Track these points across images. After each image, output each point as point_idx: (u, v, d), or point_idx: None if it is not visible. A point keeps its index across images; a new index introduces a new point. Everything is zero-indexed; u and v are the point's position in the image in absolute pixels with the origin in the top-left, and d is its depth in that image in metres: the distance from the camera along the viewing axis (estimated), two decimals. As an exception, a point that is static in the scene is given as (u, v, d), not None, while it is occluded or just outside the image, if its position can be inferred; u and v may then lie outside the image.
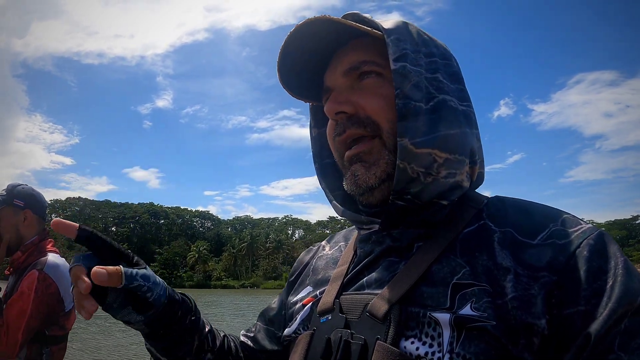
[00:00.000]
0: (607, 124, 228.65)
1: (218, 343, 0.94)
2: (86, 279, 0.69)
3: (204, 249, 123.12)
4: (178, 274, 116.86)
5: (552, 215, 0.72)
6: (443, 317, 0.64)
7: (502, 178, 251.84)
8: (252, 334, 1.07)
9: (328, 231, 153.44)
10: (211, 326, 0.94)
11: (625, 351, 0.58)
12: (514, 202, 0.79)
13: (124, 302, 0.75)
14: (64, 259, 2.42)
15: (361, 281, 0.78)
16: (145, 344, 0.87)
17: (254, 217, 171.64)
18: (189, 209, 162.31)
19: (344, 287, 0.81)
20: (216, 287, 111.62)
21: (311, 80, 0.88)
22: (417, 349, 0.64)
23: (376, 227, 0.82)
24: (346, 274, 0.83)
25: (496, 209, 0.77)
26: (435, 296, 0.68)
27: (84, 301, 0.70)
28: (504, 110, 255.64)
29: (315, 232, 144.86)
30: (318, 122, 0.95)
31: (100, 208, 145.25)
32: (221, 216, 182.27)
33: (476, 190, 0.86)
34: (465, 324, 0.63)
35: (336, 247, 0.99)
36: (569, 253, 0.66)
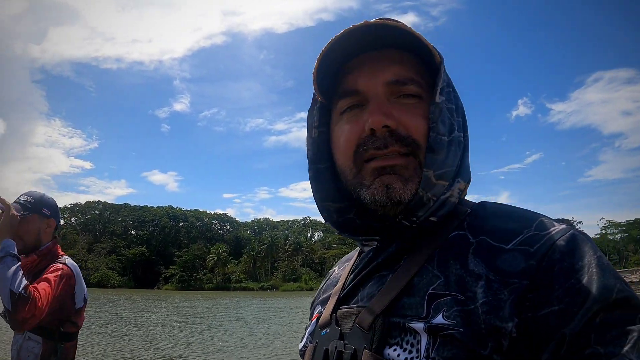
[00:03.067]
0: (626, 122, 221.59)
1: None
2: None
3: (224, 251, 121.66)
4: (197, 276, 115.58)
5: (528, 221, 0.75)
6: (419, 326, 0.69)
7: (520, 178, 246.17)
8: None
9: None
10: None
11: (601, 344, 0.59)
12: (494, 208, 0.83)
13: None
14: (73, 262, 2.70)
15: (356, 296, 0.83)
16: None
17: (273, 220, 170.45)
18: (207, 211, 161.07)
19: (343, 302, 0.86)
20: (235, 290, 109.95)
21: (327, 77, 0.86)
22: (399, 355, 0.70)
23: (374, 243, 0.86)
24: (343, 289, 0.88)
25: (476, 218, 0.81)
26: (414, 307, 0.72)
27: None
28: (522, 109, 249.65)
29: (334, 234, 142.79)
30: (322, 123, 0.91)
31: (119, 211, 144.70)
32: (240, 219, 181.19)
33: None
34: (438, 332, 0.67)
35: (342, 267, 1.03)
36: (540, 256, 0.68)
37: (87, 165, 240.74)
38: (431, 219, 0.80)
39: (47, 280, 2.45)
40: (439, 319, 0.68)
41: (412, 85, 0.80)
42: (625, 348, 0.58)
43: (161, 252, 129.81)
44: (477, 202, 0.88)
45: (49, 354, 2.48)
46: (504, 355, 0.64)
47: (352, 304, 0.83)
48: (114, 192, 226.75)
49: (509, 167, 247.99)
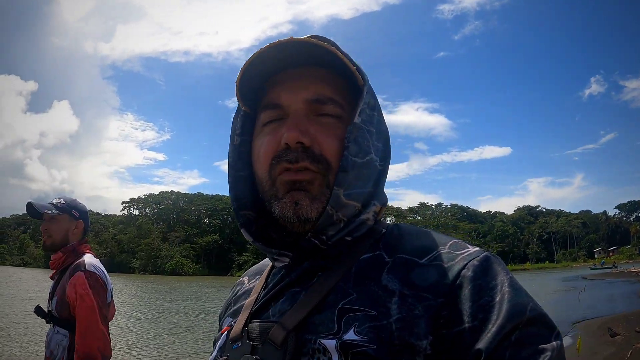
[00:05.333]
0: None
1: None
2: None
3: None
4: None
5: (442, 240, 0.78)
6: (330, 343, 0.68)
7: (595, 159, 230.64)
8: None
9: (419, 217, 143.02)
10: None
11: None
12: (409, 228, 0.85)
13: None
14: (97, 259, 2.88)
15: (268, 312, 0.82)
16: None
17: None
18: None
19: (254, 316, 0.84)
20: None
21: (251, 85, 0.86)
22: None
23: (286, 260, 0.84)
24: (255, 304, 0.86)
25: (392, 237, 0.82)
26: (325, 322, 0.72)
27: None
28: (595, 87, 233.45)
29: (407, 219, 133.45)
30: (245, 131, 0.91)
31: (192, 201, 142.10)
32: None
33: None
34: (350, 349, 0.66)
35: (253, 280, 1.02)
36: (454, 274, 0.69)
37: (160, 156, 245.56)
38: (347, 238, 0.81)
39: (82, 298, 2.59)
40: (351, 334, 0.68)
41: (332, 105, 0.81)
42: None
43: (234, 239, 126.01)
44: (392, 224, 0.88)
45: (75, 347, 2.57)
46: None
47: (264, 319, 0.81)
48: (186, 182, 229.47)
49: (583, 148, 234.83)
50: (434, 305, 0.67)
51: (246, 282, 1.04)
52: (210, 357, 0.91)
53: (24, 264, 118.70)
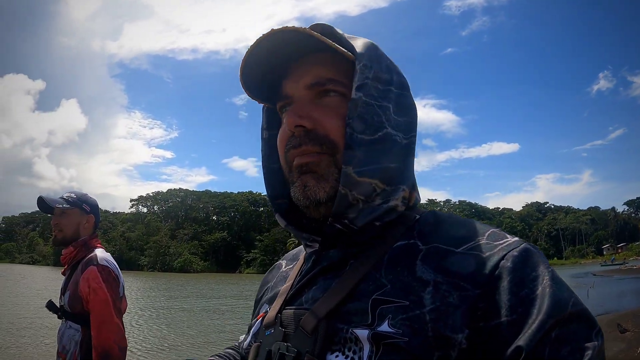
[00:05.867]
0: None
1: None
2: None
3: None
4: (278, 259, 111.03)
5: (480, 230, 0.75)
6: (362, 333, 0.68)
7: (604, 155, 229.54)
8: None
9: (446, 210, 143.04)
10: None
11: (555, 359, 0.58)
12: (445, 216, 0.82)
13: None
14: (109, 253, 2.87)
15: (301, 298, 0.82)
16: None
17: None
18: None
19: (288, 303, 0.84)
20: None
21: (266, 82, 0.88)
22: None
23: (316, 245, 0.85)
24: (290, 290, 0.86)
25: (426, 225, 0.80)
26: (358, 312, 0.71)
27: None
28: (603, 83, 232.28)
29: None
30: (270, 125, 0.94)
31: (200, 198, 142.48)
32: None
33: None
34: (382, 340, 0.65)
35: (290, 265, 1.02)
36: (492, 265, 0.67)
37: (168, 154, 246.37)
38: (376, 223, 0.80)
39: (95, 291, 2.59)
40: (384, 327, 0.67)
41: (332, 84, 0.81)
42: None
43: (242, 236, 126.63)
44: (428, 210, 0.86)
45: (88, 341, 2.57)
46: None
47: (297, 306, 0.81)
48: (195, 179, 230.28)
49: (592, 144, 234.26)
50: (471, 297, 0.65)
51: (283, 266, 1.05)
52: (245, 343, 0.92)
53: (33, 262, 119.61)
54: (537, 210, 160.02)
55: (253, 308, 1.07)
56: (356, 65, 0.79)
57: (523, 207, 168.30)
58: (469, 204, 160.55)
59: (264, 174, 0.93)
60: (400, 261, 0.74)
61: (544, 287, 0.63)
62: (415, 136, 0.86)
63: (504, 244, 0.70)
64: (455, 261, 0.69)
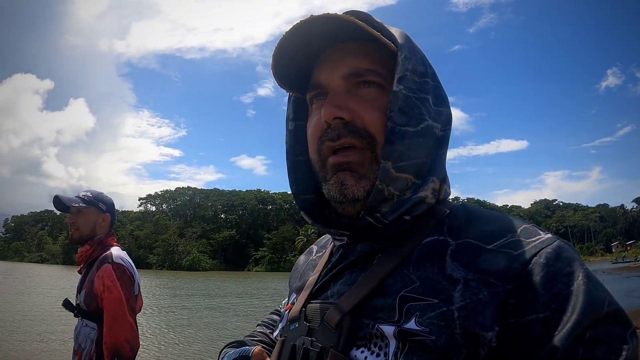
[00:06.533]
0: None
1: None
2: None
3: (312, 232, 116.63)
4: (287, 257, 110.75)
5: (513, 226, 0.72)
6: (389, 329, 0.66)
7: (612, 152, 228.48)
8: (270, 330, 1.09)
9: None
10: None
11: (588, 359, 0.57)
12: (477, 210, 0.80)
13: None
14: (125, 251, 2.91)
15: (327, 292, 0.81)
16: None
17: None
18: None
19: (314, 296, 0.83)
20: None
21: (295, 70, 0.85)
22: (366, 358, 0.67)
23: (345, 239, 0.83)
24: (316, 283, 0.85)
25: (457, 220, 0.77)
26: (385, 308, 0.69)
27: None
28: (611, 80, 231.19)
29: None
30: (297, 115, 0.91)
31: (209, 196, 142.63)
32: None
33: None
34: (408, 337, 0.64)
35: (320, 253, 1.01)
36: (525, 261, 0.65)
37: (176, 153, 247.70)
38: (405, 217, 0.78)
39: (109, 289, 2.62)
40: (411, 324, 0.66)
41: (370, 76, 0.78)
42: None
43: (251, 235, 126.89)
44: (458, 203, 0.84)
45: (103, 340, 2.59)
46: None
47: (321, 300, 0.80)
48: (203, 177, 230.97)
49: (600, 141, 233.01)
50: (501, 292, 0.63)
51: (314, 252, 1.04)
52: (275, 334, 0.92)
53: (42, 261, 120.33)
54: (545, 208, 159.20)
55: (289, 288, 1.06)
56: (398, 57, 0.76)
57: (532, 204, 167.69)
58: (478, 201, 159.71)
59: (289, 167, 0.90)
60: (430, 257, 0.72)
61: (578, 284, 0.61)
62: (450, 129, 0.84)
63: (537, 241, 0.68)
64: (486, 258, 0.67)
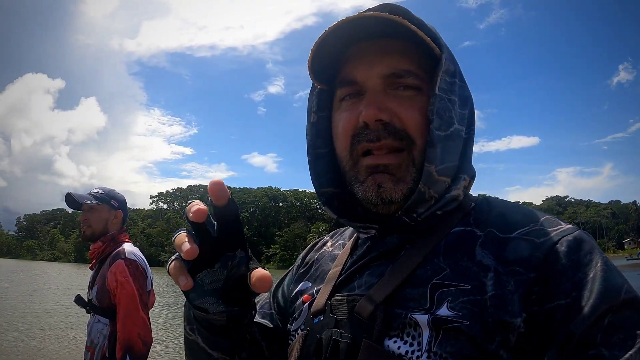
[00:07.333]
0: None
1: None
2: (194, 244, 0.63)
3: (324, 229, 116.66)
4: (298, 255, 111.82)
5: (534, 216, 0.74)
6: (422, 318, 0.67)
7: (624, 148, 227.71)
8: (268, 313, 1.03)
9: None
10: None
11: (606, 346, 0.57)
12: (499, 202, 0.82)
13: (214, 290, 0.69)
14: (137, 248, 2.93)
15: (352, 284, 0.80)
16: (190, 336, 0.81)
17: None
18: (307, 191, 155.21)
19: (337, 289, 0.82)
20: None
21: (325, 63, 0.84)
22: (399, 347, 0.67)
23: (372, 232, 0.83)
24: (339, 276, 0.84)
25: (481, 212, 0.80)
26: (416, 297, 0.70)
27: (180, 275, 0.66)
28: (623, 75, 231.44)
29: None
30: (320, 107, 0.89)
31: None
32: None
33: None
34: (442, 325, 0.65)
35: (337, 244, 0.99)
36: (546, 249, 0.66)
37: (188, 151, 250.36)
38: (437, 212, 0.79)
39: (122, 285, 2.64)
40: (444, 310, 0.66)
41: (410, 77, 0.78)
42: (631, 352, 0.56)
43: (262, 232, 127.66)
44: (479, 196, 0.86)
45: (116, 335, 2.58)
46: (510, 351, 0.63)
47: (346, 292, 0.79)
48: (214, 175, 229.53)
49: (612, 137, 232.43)
50: (526, 280, 0.65)
51: (329, 244, 1.02)
52: (294, 326, 0.88)
53: (55, 259, 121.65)
54: (557, 204, 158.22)
55: (290, 275, 1.05)
56: (442, 60, 0.77)
57: (543, 200, 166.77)
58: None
59: (310, 160, 0.89)
60: (459, 246, 0.74)
61: (596, 271, 0.63)
62: (474, 129, 0.84)
63: (558, 230, 0.70)
64: (511, 247, 0.69)
